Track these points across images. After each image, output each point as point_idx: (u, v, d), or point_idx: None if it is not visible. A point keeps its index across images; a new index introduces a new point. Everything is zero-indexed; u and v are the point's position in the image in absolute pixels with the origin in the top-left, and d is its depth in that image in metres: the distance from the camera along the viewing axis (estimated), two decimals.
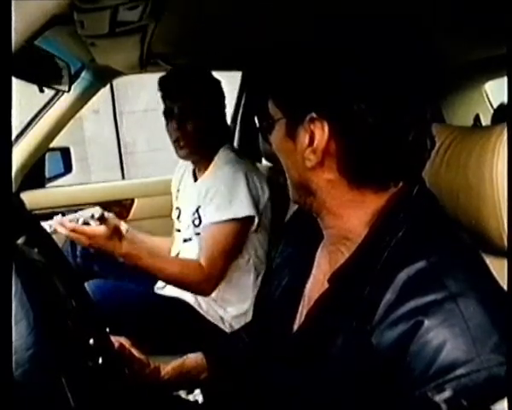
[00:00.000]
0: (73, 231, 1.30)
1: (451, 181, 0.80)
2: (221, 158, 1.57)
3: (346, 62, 0.61)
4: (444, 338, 0.52)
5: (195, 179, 1.67)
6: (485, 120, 1.93)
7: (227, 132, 1.79)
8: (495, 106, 1.95)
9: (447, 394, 0.54)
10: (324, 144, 0.62)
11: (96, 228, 1.32)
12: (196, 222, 1.57)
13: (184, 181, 1.74)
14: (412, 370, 0.53)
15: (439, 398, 0.55)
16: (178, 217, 1.72)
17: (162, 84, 1.57)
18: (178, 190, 1.76)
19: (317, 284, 0.71)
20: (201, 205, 1.55)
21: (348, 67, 0.61)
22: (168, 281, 1.50)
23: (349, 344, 0.59)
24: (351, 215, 0.65)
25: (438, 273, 0.56)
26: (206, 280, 1.46)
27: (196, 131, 1.52)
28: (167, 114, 1.57)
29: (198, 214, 1.56)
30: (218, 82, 1.59)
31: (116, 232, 1.34)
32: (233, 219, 1.46)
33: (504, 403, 0.51)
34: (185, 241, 1.63)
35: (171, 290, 1.58)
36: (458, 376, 0.51)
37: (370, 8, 0.61)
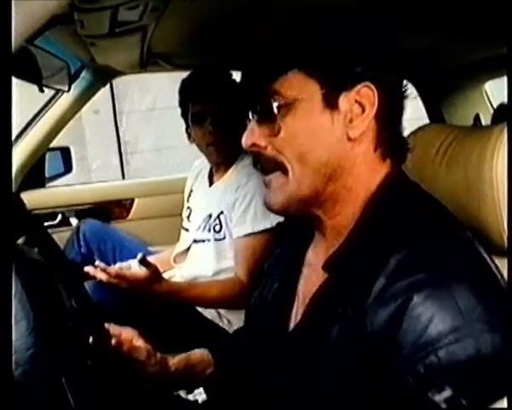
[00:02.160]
0: (116, 276, 1.34)
1: (451, 181, 0.80)
2: (243, 164, 1.55)
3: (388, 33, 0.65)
4: (432, 312, 0.53)
5: (211, 182, 1.66)
6: (485, 120, 1.93)
7: None
8: (495, 106, 1.95)
9: (447, 394, 0.54)
10: (375, 113, 0.62)
11: (137, 272, 1.37)
12: (217, 228, 1.55)
13: (199, 182, 1.74)
14: (404, 345, 0.53)
15: (439, 398, 0.55)
16: (188, 216, 1.72)
17: (188, 88, 1.55)
18: (192, 190, 1.76)
19: (310, 281, 0.71)
20: (225, 211, 1.53)
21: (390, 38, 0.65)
22: (211, 305, 1.50)
23: (345, 333, 0.60)
24: (359, 196, 0.65)
25: (429, 255, 0.57)
26: (247, 293, 1.46)
27: (229, 134, 1.51)
28: (196, 117, 1.54)
29: (219, 220, 1.54)
30: (237, 82, 1.59)
31: (156, 273, 1.38)
32: (269, 229, 1.45)
33: (504, 403, 0.51)
34: (196, 241, 1.62)
35: None
36: (447, 343, 0.52)
37: (370, 7, 0.61)
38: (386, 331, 0.55)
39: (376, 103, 0.62)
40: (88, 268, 1.34)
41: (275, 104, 0.63)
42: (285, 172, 0.65)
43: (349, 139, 0.63)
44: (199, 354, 0.96)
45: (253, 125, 0.67)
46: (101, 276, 1.32)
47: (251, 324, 0.87)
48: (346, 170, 0.64)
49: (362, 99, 0.62)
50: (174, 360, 0.93)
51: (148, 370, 0.89)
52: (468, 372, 0.52)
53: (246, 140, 0.68)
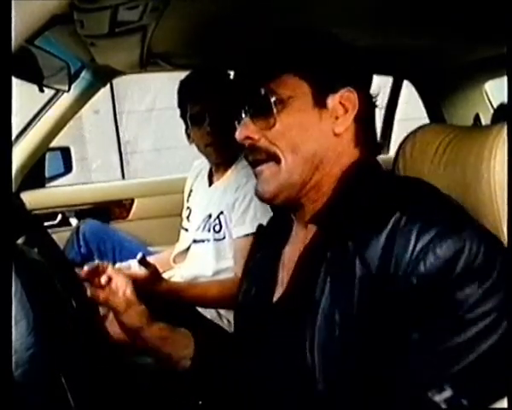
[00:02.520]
0: None
1: (450, 180, 0.80)
2: (243, 164, 1.53)
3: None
4: (420, 225, 0.60)
5: (210, 182, 1.66)
6: (486, 120, 1.93)
7: None
8: (495, 106, 1.95)
9: (447, 394, 0.55)
10: (356, 111, 0.72)
11: (137, 272, 1.37)
12: (217, 228, 1.55)
13: (198, 182, 1.74)
14: (398, 259, 0.60)
15: (439, 398, 0.55)
16: (188, 216, 1.72)
17: (186, 88, 1.55)
18: (191, 190, 1.77)
19: (295, 253, 0.75)
20: (224, 211, 1.53)
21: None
22: (210, 305, 1.50)
23: (342, 279, 0.64)
24: (337, 178, 0.73)
25: (409, 196, 0.67)
26: None
27: (227, 134, 1.51)
28: (195, 117, 1.54)
29: (219, 220, 1.54)
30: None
31: (155, 274, 1.38)
32: None
33: (504, 403, 0.51)
34: (196, 241, 1.62)
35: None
36: (436, 243, 0.58)
37: (370, 7, 0.61)
38: (381, 255, 0.61)
39: (357, 105, 0.72)
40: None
41: (272, 99, 0.70)
42: (278, 161, 0.72)
43: (334, 134, 0.72)
44: (183, 331, 0.95)
45: (246, 120, 0.74)
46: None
47: (239, 312, 0.90)
48: (331, 161, 0.72)
49: (345, 102, 0.72)
50: (157, 325, 0.94)
51: (125, 320, 0.89)
52: (455, 265, 0.58)
53: (240, 134, 0.74)
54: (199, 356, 0.89)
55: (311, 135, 0.71)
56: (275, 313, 0.75)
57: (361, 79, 0.75)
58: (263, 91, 0.71)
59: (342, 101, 0.72)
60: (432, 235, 0.59)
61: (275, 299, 0.76)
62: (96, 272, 0.89)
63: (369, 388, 0.61)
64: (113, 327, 0.96)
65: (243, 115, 0.74)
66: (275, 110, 0.71)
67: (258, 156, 0.74)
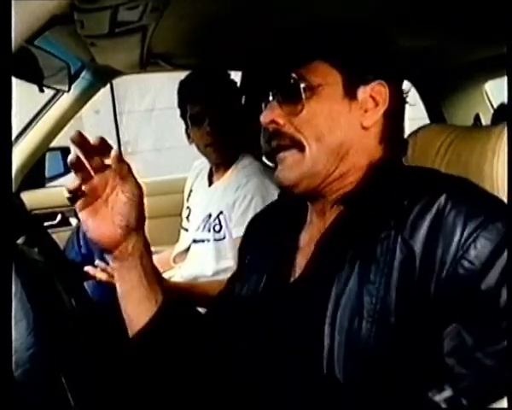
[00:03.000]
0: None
1: None
2: (243, 164, 1.55)
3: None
4: (466, 209, 0.59)
5: (210, 182, 1.66)
6: (486, 120, 1.93)
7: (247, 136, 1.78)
8: (495, 106, 1.95)
9: (447, 394, 0.54)
10: (386, 105, 0.70)
11: None
12: (217, 228, 1.54)
13: (198, 182, 1.74)
14: (446, 243, 0.58)
15: (439, 398, 0.55)
16: (188, 216, 1.72)
17: (186, 89, 1.55)
18: (191, 190, 1.76)
19: (312, 238, 0.72)
20: (224, 211, 1.52)
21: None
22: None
23: (379, 262, 0.62)
24: (364, 171, 0.71)
25: (445, 182, 0.66)
26: None
27: (227, 134, 1.51)
28: (195, 118, 1.53)
29: (219, 220, 1.54)
30: (235, 82, 1.58)
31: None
32: None
33: (504, 403, 0.51)
34: (196, 241, 1.62)
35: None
36: (485, 226, 0.57)
37: (370, 6, 0.61)
38: (426, 240, 0.60)
39: (388, 100, 0.70)
40: (88, 268, 1.34)
41: (302, 85, 0.69)
42: (302, 149, 0.70)
43: (362, 127, 0.70)
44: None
45: (273, 104, 0.72)
46: (101, 276, 1.31)
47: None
48: (357, 153, 0.71)
49: (376, 95, 0.70)
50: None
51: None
52: (503, 250, 0.56)
53: (265, 117, 0.72)
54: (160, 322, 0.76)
55: (338, 125, 0.70)
56: (290, 294, 0.72)
57: (394, 72, 0.74)
58: (293, 76, 0.69)
59: (373, 94, 0.70)
60: (480, 219, 0.58)
61: (291, 280, 0.73)
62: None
63: (388, 380, 0.59)
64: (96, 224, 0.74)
65: (270, 98, 0.72)
66: (303, 96, 0.69)
67: (281, 142, 0.72)
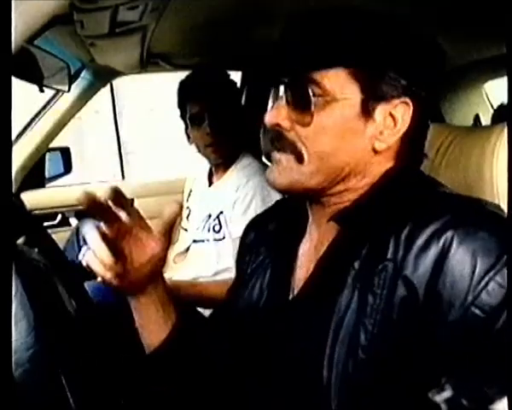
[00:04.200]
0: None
1: (451, 181, 0.80)
2: (243, 164, 1.55)
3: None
4: (475, 248, 0.53)
5: (210, 182, 1.66)
6: (486, 120, 1.93)
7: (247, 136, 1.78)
8: (495, 106, 1.95)
9: (447, 394, 0.54)
10: (406, 129, 0.62)
11: None
12: (216, 228, 1.55)
13: (198, 182, 1.74)
14: (453, 284, 0.53)
15: (439, 398, 0.55)
16: (188, 216, 1.72)
17: (186, 89, 1.55)
18: (191, 190, 1.77)
19: (311, 251, 0.69)
20: (224, 211, 1.52)
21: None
22: (210, 305, 1.47)
23: (377, 287, 0.57)
24: (367, 187, 0.65)
25: (449, 205, 0.58)
26: None
27: (227, 134, 1.51)
28: (194, 118, 1.53)
29: (219, 220, 1.54)
30: (235, 82, 1.58)
31: None
32: None
33: (504, 403, 0.51)
34: (195, 242, 1.62)
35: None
36: (498, 270, 0.52)
37: (370, 6, 0.61)
38: (431, 274, 0.54)
39: (409, 121, 0.62)
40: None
41: (314, 98, 0.61)
42: (300, 160, 0.63)
43: (374, 150, 0.63)
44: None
45: (281, 104, 0.64)
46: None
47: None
48: (360, 174, 0.64)
49: (397, 113, 0.62)
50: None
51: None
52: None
53: (270, 118, 0.64)
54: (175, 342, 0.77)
55: (346, 146, 0.62)
56: (289, 312, 0.68)
57: (425, 89, 0.63)
58: (308, 79, 0.61)
59: (393, 112, 0.61)
60: (492, 261, 0.52)
61: (290, 297, 0.69)
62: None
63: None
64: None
65: (281, 94, 0.64)
66: (313, 107, 0.61)
67: (281, 144, 0.65)
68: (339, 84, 0.60)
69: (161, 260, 0.73)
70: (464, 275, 0.53)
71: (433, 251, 0.54)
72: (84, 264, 0.69)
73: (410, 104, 0.61)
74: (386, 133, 0.62)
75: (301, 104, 0.62)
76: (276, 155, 0.66)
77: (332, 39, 0.61)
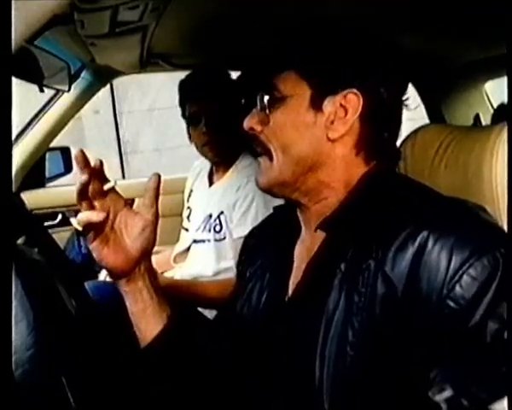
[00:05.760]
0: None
1: (451, 180, 0.80)
2: (243, 164, 1.55)
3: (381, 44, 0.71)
4: (450, 244, 0.56)
5: (211, 182, 1.66)
6: (486, 120, 1.93)
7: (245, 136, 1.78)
8: (495, 106, 1.95)
9: (447, 394, 0.54)
10: (356, 118, 0.67)
11: None
12: (217, 228, 1.55)
13: (199, 182, 1.74)
14: (429, 280, 0.56)
15: (439, 398, 0.55)
16: (188, 216, 1.72)
17: (185, 88, 1.55)
18: (192, 190, 1.77)
19: (303, 254, 0.73)
20: (225, 212, 1.52)
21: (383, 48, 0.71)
22: (210, 305, 1.49)
23: (360, 287, 0.61)
24: (342, 185, 0.70)
25: (429, 209, 0.62)
26: None
27: (223, 134, 1.51)
28: (192, 117, 1.54)
29: (219, 220, 1.54)
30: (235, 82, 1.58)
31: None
32: None
33: (504, 403, 0.51)
34: (196, 242, 1.62)
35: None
36: (471, 263, 0.55)
37: (370, 6, 0.61)
38: (410, 271, 0.58)
39: (360, 110, 0.67)
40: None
41: (266, 98, 0.70)
42: (271, 158, 0.71)
43: (328, 139, 0.68)
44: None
45: (254, 110, 0.73)
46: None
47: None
48: (326, 165, 0.69)
49: (346, 104, 0.67)
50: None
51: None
52: (489, 288, 0.55)
53: (245, 123, 0.74)
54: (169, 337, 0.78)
55: (303, 137, 0.69)
56: (285, 313, 0.72)
57: (371, 79, 0.68)
58: (265, 85, 0.71)
59: (343, 103, 0.67)
60: (466, 256, 0.55)
61: (286, 299, 0.74)
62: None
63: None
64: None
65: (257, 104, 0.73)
66: (270, 107, 0.70)
67: (258, 148, 0.74)
68: (290, 84, 0.70)
69: (152, 233, 0.76)
70: (440, 270, 0.56)
71: (411, 249, 0.58)
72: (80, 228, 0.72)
73: (360, 95, 0.67)
74: (337, 123, 0.68)
75: (262, 106, 0.71)
76: (259, 159, 0.74)
77: (281, 48, 0.72)
